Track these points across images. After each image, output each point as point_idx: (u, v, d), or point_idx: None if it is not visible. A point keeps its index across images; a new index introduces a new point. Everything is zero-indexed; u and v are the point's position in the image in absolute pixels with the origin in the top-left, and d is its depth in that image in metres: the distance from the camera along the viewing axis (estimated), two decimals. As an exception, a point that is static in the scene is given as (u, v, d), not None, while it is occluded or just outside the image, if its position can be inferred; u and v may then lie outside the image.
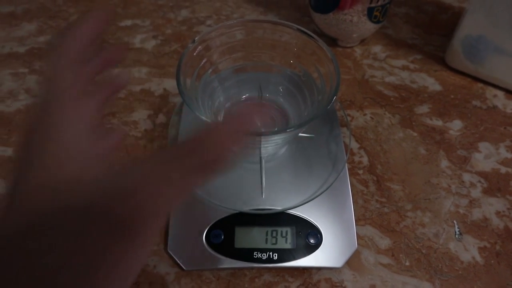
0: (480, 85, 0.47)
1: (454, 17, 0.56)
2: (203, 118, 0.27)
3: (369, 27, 0.47)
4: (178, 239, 0.33)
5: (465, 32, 0.46)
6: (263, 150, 0.33)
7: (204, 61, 0.33)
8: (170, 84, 0.47)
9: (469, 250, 0.34)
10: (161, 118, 0.43)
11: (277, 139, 0.29)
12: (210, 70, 0.34)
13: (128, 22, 0.55)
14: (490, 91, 0.47)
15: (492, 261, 0.34)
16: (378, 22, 0.47)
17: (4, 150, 0.41)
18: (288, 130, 0.26)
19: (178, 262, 0.32)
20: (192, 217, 0.33)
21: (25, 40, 0.53)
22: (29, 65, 0.50)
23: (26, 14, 0.57)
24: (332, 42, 0.51)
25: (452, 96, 0.46)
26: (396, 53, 0.51)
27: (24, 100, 0.45)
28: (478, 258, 0.34)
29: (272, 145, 0.32)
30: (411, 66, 0.49)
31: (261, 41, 0.35)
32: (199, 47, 0.32)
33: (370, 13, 0.45)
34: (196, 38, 0.31)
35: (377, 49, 0.51)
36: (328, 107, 0.28)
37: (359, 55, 0.50)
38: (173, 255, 0.32)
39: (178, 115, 0.41)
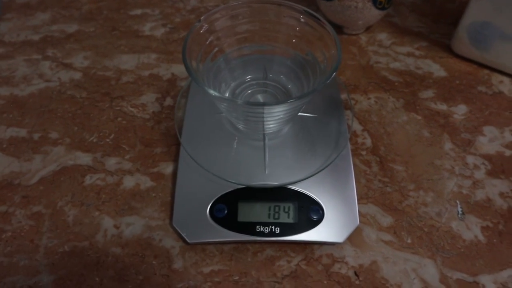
0: (486, 71, 0.47)
1: (462, 7, 0.56)
2: (210, 91, 0.28)
3: (374, 13, 0.48)
4: (183, 213, 0.33)
5: (471, 19, 0.46)
6: (266, 126, 0.34)
7: (209, 40, 0.33)
8: (178, 69, 0.48)
9: (471, 229, 0.34)
10: (168, 101, 0.44)
11: (279, 111, 0.30)
12: (216, 49, 0.34)
13: (138, 11, 0.56)
14: (496, 77, 0.47)
15: (495, 240, 0.34)
16: (383, 8, 0.48)
17: (18, 131, 0.42)
18: (289, 101, 0.27)
19: (183, 235, 0.33)
20: (196, 191, 0.34)
21: (39, 29, 0.55)
22: (42, 52, 0.51)
23: (41, 4, 0.59)
24: (338, 29, 0.52)
25: (457, 82, 0.46)
26: (402, 40, 0.51)
27: (37, 84, 0.47)
28: (481, 237, 0.34)
29: (275, 120, 0.32)
30: (417, 52, 0.50)
31: (266, 22, 0.35)
32: (205, 25, 0.33)
33: (375, 0, 0.46)
34: (202, 18, 0.32)
35: (382, 36, 0.52)
36: (327, 81, 0.28)
37: (365, 42, 0.51)
38: (177, 229, 0.33)
39: (184, 97, 0.42)
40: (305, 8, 0.33)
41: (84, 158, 0.40)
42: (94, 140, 0.41)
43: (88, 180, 0.38)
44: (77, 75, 0.48)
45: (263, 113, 0.29)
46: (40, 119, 0.43)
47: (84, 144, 0.41)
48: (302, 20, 0.34)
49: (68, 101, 0.45)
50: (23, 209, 0.36)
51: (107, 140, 0.41)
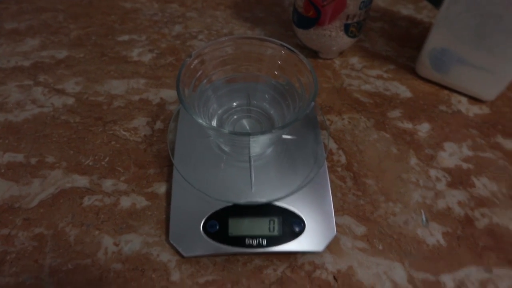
0: (446, 92, 0.53)
1: (425, 31, 0.62)
2: (200, 121, 0.31)
3: (346, 41, 0.53)
4: (178, 230, 0.37)
5: (431, 46, 0.51)
6: (251, 150, 0.38)
7: (199, 73, 0.37)
8: (166, 93, 0.51)
9: (434, 235, 0.39)
10: (158, 124, 0.48)
11: (264, 139, 0.34)
12: (205, 80, 0.38)
13: (126, 37, 0.60)
14: (455, 97, 0.52)
15: (454, 244, 0.38)
16: (354, 36, 0.52)
17: (15, 156, 0.44)
18: (273, 131, 0.31)
19: (179, 250, 0.36)
20: (190, 210, 0.37)
21: (29, 55, 0.57)
22: (34, 77, 0.53)
23: (29, 30, 0.61)
24: (314, 54, 0.56)
25: (421, 102, 0.51)
26: (372, 64, 0.56)
27: (31, 110, 0.49)
28: (442, 241, 0.39)
29: (260, 145, 0.36)
30: (385, 75, 0.55)
31: (249, 55, 0.39)
32: (195, 60, 0.36)
33: (346, 29, 0.51)
34: (193, 53, 0.36)
35: (354, 60, 0.57)
36: (307, 111, 0.32)
37: (338, 66, 0.56)
38: (174, 244, 0.36)
39: (175, 121, 0.45)
40: (285, 44, 0.37)
41: (81, 181, 0.42)
42: (90, 163, 0.44)
43: (87, 201, 0.41)
44: (70, 101, 0.50)
45: (249, 140, 0.33)
46: (36, 144, 0.46)
47: (80, 167, 0.43)
48: (282, 53, 0.38)
49: (62, 126, 0.47)
50: (25, 231, 0.39)
51: (103, 163, 0.44)
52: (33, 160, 0.44)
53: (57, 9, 0.65)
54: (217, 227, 0.36)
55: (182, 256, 0.36)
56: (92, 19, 0.63)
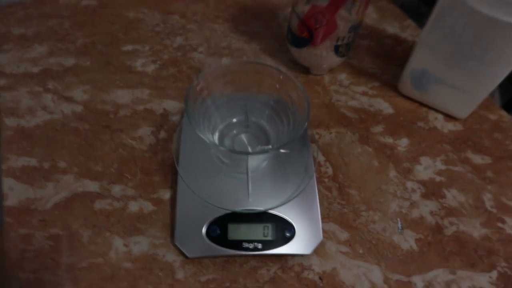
0: (424, 109, 0.58)
1: (408, 50, 0.67)
2: (205, 139, 0.36)
3: (336, 60, 0.57)
4: (183, 233, 0.41)
5: (412, 66, 0.56)
6: (249, 163, 0.42)
7: (204, 92, 0.41)
8: (169, 104, 0.55)
9: (408, 241, 0.44)
10: (162, 134, 0.52)
11: (260, 155, 0.38)
12: (209, 99, 0.42)
13: (129, 47, 0.63)
14: (432, 115, 0.58)
15: (425, 249, 0.44)
16: (343, 56, 0.57)
17: (29, 161, 0.48)
18: (270, 150, 0.36)
19: (183, 251, 0.40)
20: (193, 215, 0.42)
21: (38, 61, 0.60)
22: (43, 84, 0.57)
23: (37, 36, 0.64)
24: (305, 70, 0.61)
25: (401, 118, 0.57)
26: (358, 80, 0.61)
27: (42, 116, 0.53)
28: (414, 246, 0.44)
29: (256, 160, 0.41)
30: (370, 92, 0.60)
31: (248, 76, 0.44)
32: (201, 82, 0.41)
33: (336, 49, 0.55)
34: (199, 76, 0.40)
35: (342, 77, 0.62)
36: (301, 133, 0.37)
37: (328, 82, 0.60)
38: (179, 246, 0.41)
39: (179, 132, 0.49)
40: (281, 69, 0.42)
41: (92, 186, 0.46)
42: (100, 169, 0.48)
43: (98, 205, 0.45)
44: (78, 108, 0.54)
45: (247, 156, 0.37)
46: (48, 149, 0.49)
47: (91, 173, 0.47)
48: (279, 77, 0.42)
49: (72, 133, 0.51)
50: (42, 231, 0.42)
51: (111, 169, 0.48)
52: (46, 165, 0.48)
53: (62, 15, 0.68)
54: (218, 231, 0.41)
55: (186, 257, 0.41)
56: (97, 27, 0.66)
